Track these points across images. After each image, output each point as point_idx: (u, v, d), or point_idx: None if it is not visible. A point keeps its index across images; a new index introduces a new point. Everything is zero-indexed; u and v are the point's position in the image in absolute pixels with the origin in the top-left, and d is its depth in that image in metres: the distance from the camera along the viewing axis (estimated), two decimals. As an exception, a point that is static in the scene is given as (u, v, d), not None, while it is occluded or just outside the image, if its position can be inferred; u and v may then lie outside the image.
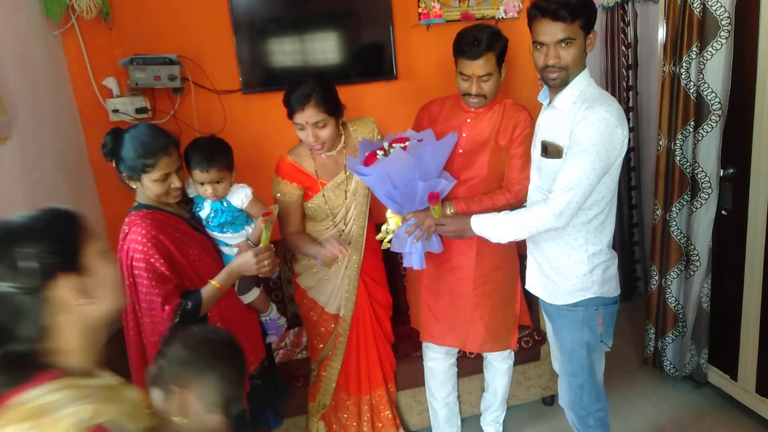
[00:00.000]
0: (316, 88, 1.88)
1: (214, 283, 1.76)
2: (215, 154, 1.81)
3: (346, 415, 2.32)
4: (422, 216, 1.96)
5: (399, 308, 2.44)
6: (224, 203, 1.89)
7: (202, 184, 1.83)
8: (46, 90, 2.30)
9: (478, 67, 1.93)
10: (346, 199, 2.10)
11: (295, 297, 2.34)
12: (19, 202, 1.97)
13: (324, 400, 2.29)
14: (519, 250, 2.28)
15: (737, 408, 2.59)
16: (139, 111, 2.53)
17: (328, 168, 2.06)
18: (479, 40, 1.91)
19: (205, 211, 1.89)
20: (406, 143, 1.91)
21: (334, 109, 1.93)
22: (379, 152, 1.88)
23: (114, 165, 1.72)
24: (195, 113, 2.67)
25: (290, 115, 1.93)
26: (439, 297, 2.24)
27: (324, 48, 2.80)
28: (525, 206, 1.92)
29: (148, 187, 1.69)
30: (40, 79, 2.26)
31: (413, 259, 2.02)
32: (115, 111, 2.52)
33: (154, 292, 1.65)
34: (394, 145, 1.90)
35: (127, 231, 1.68)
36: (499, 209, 2.02)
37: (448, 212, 2.03)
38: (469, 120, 2.11)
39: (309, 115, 1.88)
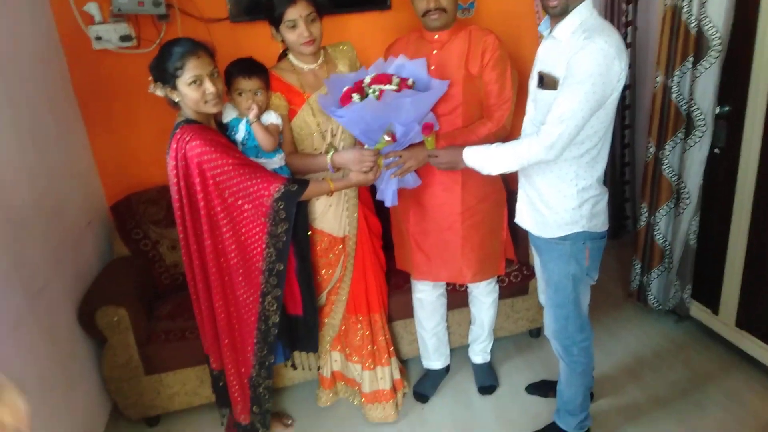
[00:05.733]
0: None
1: (329, 180, 1.92)
2: (257, 64, 1.96)
3: (358, 337, 2.32)
4: (406, 155, 1.95)
5: (387, 240, 2.43)
6: None
7: (240, 94, 1.91)
8: (24, 16, 2.20)
9: None
10: None
11: None
12: (5, 134, 1.94)
13: (334, 322, 2.29)
14: (510, 184, 2.28)
15: (716, 341, 2.68)
16: (123, 38, 2.44)
17: (311, 81, 2.04)
18: None
19: (240, 134, 1.94)
20: (385, 87, 1.82)
21: (319, 6, 1.97)
22: (354, 95, 1.81)
23: (161, 85, 1.76)
24: (182, 42, 2.58)
25: (279, 15, 1.90)
26: (428, 234, 2.25)
27: (315, -26, 2.68)
28: (520, 137, 1.90)
29: (185, 95, 1.73)
30: (17, 4, 2.16)
31: (386, 194, 2.02)
32: (99, 38, 2.43)
33: (254, 177, 1.78)
34: (373, 86, 1.82)
35: (188, 139, 1.73)
36: (483, 140, 2.00)
37: None
38: (435, 51, 2.06)
39: (302, 7, 1.89)
